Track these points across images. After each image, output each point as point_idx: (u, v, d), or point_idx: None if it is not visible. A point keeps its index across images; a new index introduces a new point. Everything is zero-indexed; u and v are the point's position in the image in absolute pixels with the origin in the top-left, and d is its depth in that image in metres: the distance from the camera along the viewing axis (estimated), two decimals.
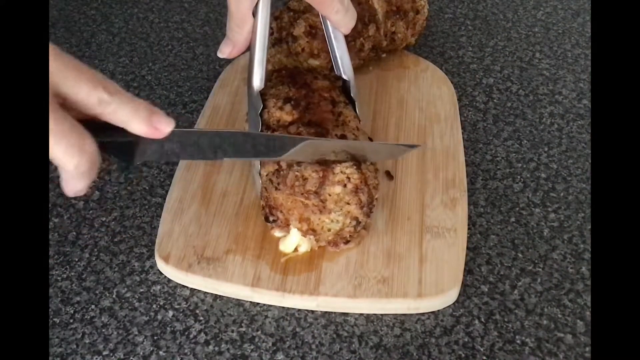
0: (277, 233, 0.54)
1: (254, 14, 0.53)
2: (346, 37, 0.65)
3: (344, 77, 0.59)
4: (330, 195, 0.50)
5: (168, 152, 0.43)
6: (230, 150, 0.46)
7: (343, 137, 0.53)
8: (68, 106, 0.37)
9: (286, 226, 0.52)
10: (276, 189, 0.51)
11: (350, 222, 0.51)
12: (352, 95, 0.58)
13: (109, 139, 0.38)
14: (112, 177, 0.61)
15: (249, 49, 0.55)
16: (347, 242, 0.52)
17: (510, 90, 0.72)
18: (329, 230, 0.51)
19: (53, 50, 0.35)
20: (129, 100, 0.38)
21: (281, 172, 0.51)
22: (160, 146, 0.42)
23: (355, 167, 0.51)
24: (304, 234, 0.52)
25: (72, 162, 0.37)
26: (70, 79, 0.35)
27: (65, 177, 0.39)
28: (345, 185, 0.50)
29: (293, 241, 0.53)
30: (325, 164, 0.51)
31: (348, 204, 0.50)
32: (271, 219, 0.52)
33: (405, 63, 0.73)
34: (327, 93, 0.57)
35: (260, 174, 0.53)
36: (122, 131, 0.39)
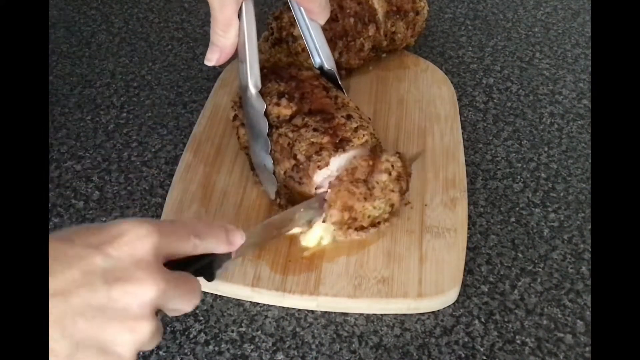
0: (293, 230, 0.54)
1: (239, 16, 0.53)
2: (346, 37, 0.65)
3: (326, 66, 0.58)
4: (377, 183, 0.51)
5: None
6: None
7: (349, 117, 0.54)
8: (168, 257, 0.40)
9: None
10: (299, 183, 0.51)
11: (388, 209, 0.53)
12: (339, 83, 0.59)
13: (195, 266, 0.42)
14: (112, 177, 0.61)
15: (237, 52, 0.54)
16: (375, 225, 0.54)
17: (510, 90, 0.72)
18: (369, 217, 0.52)
19: (154, 226, 0.38)
20: (211, 232, 0.42)
21: (301, 167, 0.51)
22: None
23: (398, 155, 0.53)
24: (344, 223, 0.52)
25: (192, 305, 0.40)
26: (171, 243, 0.39)
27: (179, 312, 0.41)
28: (390, 174, 0.52)
29: (316, 234, 0.53)
30: (372, 152, 0.53)
31: (392, 191, 0.52)
32: None
33: (405, 63, 0.73)
34: (316, 81, 0.58)
35: (275, 174, 0.53)
36: (201, 256, 0.42)
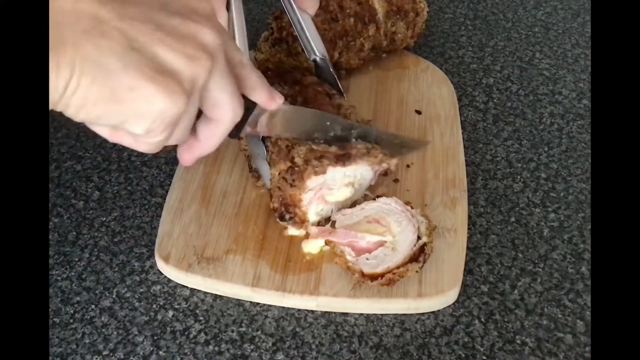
0: (291, 232, 0.54)
1: (227, 7, 0.53)
2: (346, 37, 0.65)
3: (318, 56, 0.58)
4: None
5: (269, 126, 0.47)
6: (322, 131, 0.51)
7: None
8: None
9: (302, 223, 0.53)
10: (292, 185, 0.51)
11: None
12: (331, 71, 0.58)
13: None
14: (112, 177, 0.61)
15: None
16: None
17: (510, 90, 0.72)
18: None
19: (219, 22, 0.39)
20: (256, 72, 0.43)
21: (296, 169, 0.51)
22: (268, 118, 0.46)
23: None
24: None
25: (235, 108, 0.40)
26: (231, 43, 0.40)
27: (210, 133, 0.41)
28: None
29: (318, 243, 0.53)
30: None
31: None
32: (287, 216, 0.53)
33: (405, 63, 0.73)
34: (319, 87, 0.58)
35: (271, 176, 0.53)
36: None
